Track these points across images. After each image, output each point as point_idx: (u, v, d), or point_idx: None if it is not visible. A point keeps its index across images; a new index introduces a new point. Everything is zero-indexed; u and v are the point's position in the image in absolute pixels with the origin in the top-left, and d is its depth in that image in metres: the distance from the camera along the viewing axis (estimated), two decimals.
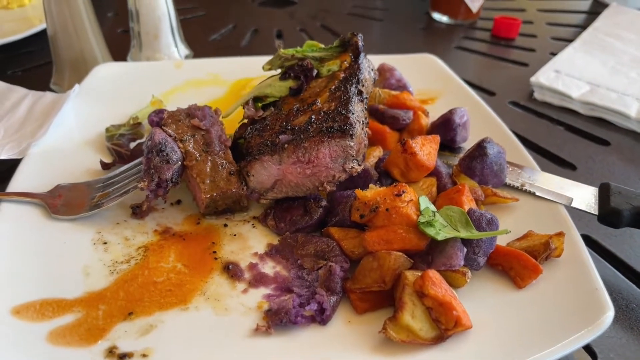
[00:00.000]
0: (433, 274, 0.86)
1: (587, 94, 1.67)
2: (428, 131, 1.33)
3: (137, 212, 1.11)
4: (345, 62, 1.23)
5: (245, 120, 1.21)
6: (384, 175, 1.16)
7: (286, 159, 1.06)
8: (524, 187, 1.17)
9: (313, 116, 1.09)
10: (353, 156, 1.07)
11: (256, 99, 1.23)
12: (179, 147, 1.10)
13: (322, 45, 1.31)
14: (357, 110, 1.12)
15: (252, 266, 1.02)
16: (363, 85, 1.19)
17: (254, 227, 1.12)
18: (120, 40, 1.97)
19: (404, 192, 0.98)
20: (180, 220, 1.12)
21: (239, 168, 1.11)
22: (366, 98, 1.20)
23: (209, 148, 1.12)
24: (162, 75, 1.57)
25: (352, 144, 1.05)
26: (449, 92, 1.54)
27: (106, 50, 1.69)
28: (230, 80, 1.60)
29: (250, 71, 1.62)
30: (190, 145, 1.11)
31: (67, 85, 1.62)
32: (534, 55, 2.09)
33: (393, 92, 1.43)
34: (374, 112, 1.36)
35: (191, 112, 1.16)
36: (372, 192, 1.02)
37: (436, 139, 1.15)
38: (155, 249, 1.04)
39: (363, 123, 1.12)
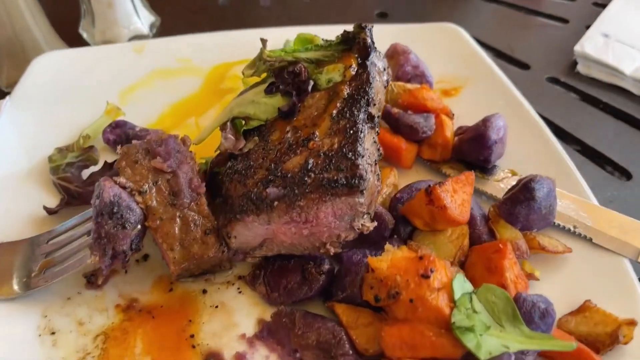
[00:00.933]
0: None
1: None
2: (455, 145, 1.06)
3: (93, 281, 0.89)
4: (351, 69, 0.94)
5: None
6: (402, 221, 0.92)
7: (276, 218, 0.82)
8: (577, 230, 0.93)
9: (311, 160, 0.82)
10: (363, 212, 0.82)
11: (236, 120, 0.95)
12: (138, 203, 0.85)
13: (320, 40, 1.00)
14: (368, 147, 0.85)
15: (239, 358, 0.81)
16: (374, 104, 0.90)
17: (240, 292, 0.90)
18: (71, 4, 1.61)
19: (432, 271, 0.75)
20: (148, 287, 0.90)
21: (216, 225, 0.86)
22: (378, 119, 0.92)
23: (176, 199, 0.86)
24: (120, 64, 1.26)
25: (362, 200, 0.80)
26: (477, 79, 1.24)
27: (49, 29, 1.36)
28: (206, 68, 1.29)
29: (229, 53, 1.32)
30: (153, 198, 0.86)
31: (7, 79, 1.31)
32: (573, 7, 1.73)
33: (409, 86, 1.14)
34: (386, 117, 1.09)
35: (151, 149, 0.89)
36: (389, 261, 0.79)
37: (470, 179, 0.89)
38: (118, 337, 0.83)
39: (375, 163, 0.86)
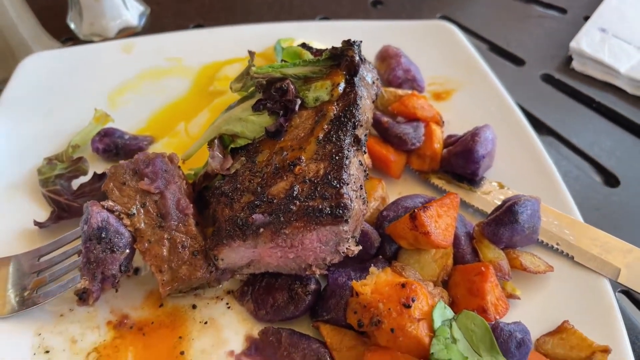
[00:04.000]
0: None
1: (638, 67, 1.35)
2: (443, 157, 1.06)
3: (85, 298, 0.91)
4: (339, 87, 0.92)
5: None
6: (387, 239, 0.93)
7: (262, 244, 0.83)
8: (559, 248, 0.95)
9: (296, 186, 0.83)
10: (348, 238, 0.83)
11: (224, 136, 0.95)
12: (126, 226, 0.86)
13: (308, 55, 0.98)
14: (353, 172, 0.85)
15: None
16: (361, 126, 0.90)
17: (228, 307, 0.92)
18: None
19: (413, 300, 0.77)
20: (139, 302, 0.92)
21: (204, 246, 0.88)
22: (365, 138, 0.92)
23: (164, 221, 0.87)
24: (108, 66, 1.24)
25: (346, 228, 0.81)
26: (470, 83, 1.23)
27: (36, 25, 1.32)
28: (195, 67, 1.27)
29: (219, 51, 1.29)
30: (141, 221, 0.87)
31: None
32: None
33: (399, 92, 1.13)
34: (376, 125, 1.09)
35: (139, 170, 0.89)
36: (373, 285, 0.81)
37: (455, 202, 0.90)
38: (110, 354, 0.86)
39: (361, 187, 0.86)
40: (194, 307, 0.92)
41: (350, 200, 0.81)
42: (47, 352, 0.85)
